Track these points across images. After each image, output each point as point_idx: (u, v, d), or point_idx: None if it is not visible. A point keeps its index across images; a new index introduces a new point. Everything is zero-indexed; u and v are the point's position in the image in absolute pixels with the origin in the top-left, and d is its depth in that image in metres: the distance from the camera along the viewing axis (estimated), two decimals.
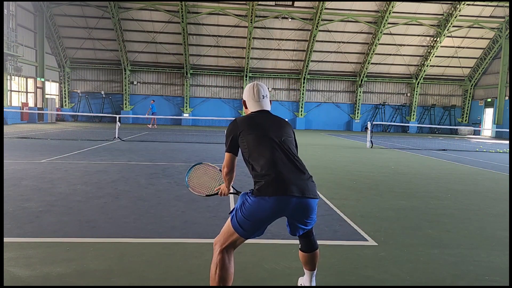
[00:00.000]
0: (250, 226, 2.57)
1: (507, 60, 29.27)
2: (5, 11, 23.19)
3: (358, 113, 34.23)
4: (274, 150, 2.63)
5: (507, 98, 30.18)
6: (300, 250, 2.93)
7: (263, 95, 2.90)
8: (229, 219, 2.67)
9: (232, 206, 5.55)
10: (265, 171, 2.55)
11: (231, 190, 2.98)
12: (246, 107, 2.97)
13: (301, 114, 33.66)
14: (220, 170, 3.04)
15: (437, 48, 31.14)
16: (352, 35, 31.11)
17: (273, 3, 28.95)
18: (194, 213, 5.10)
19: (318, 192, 6.47)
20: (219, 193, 2.99)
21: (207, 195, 3.19)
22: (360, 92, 33.83)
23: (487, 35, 31.37)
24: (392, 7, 28.05)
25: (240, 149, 2.73)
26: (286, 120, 3.02)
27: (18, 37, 24.90)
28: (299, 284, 3.12)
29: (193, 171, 3.34)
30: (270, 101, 3.01)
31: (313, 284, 2.98)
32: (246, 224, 2.57)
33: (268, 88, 31.31)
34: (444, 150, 16.48)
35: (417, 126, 33.81)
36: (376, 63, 32.91)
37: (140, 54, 31.96)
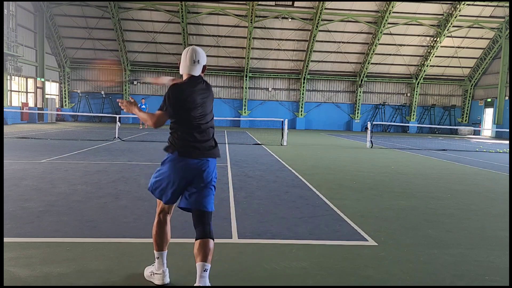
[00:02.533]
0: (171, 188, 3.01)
1: (507, 60, 29.27)
2: (5, 11, 23.18)
3: (358, 113, 34.23)
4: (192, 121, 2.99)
5: (507, 98, 30.18)
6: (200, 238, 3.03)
7: (194, 60, 3.03)
8: None
9: (232, 204, 5.56)
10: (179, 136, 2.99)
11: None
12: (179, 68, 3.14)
13: (301, 114, 33.66)
14: None
15: (437, 48, 31.15)
16: (352, 35, 31.11)
17: (273, 3, 28.95)
18: None
19: (317, 192, 6.40)
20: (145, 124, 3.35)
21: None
22: (360, 92, 33.83)
23: (487, 35, 31.37)
24: (392, 7, 28.06)
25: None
26: (207, 84, 3.20)
27: (18, 37, 24.90)
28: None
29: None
30: (204, 67, 3.15)
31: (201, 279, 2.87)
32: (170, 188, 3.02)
33: (268, 88, 30.96)
34: (444, 150, 16.48)
35: (417, 126, 33.81)
36: (376, 63, 32.91)
37: (140, 54, 31.96)
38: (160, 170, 3.05)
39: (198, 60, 3.06)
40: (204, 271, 2.83)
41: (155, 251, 3.10)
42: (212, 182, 3.10)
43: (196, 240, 2.97)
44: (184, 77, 3.08)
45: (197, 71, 3.05)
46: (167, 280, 3.06)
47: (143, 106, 25.84)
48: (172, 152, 2.99)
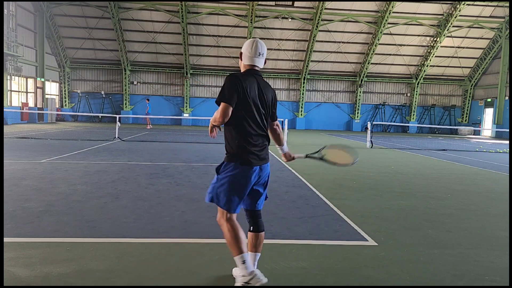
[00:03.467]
0: (238, 196, 2.93)
1: (507, 60, 29.27)
2: (5, 11, 23.19)
3: (358, 113, 34.23)
4: (252, 122, 2.92)
5: (507, 98, 30.18)
6: (254, 231, 3.11)
7: (259, 52, 3.03)
8: None
9: None
10: (238, 142, 2.89)
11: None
12: (241, 59, 3.11)
13: (301, 114, 33.66)
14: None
15: (437, 48, 31.15)
16: (352, 35, 31.11)
17: (273, 3, 28.95)
18: (194, 213, 5.10)
19: (317, 192, 6.41)
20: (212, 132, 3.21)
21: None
22: (360, 92, 33.82)
23: (487, 35, 31.37)
24: (392, 7, 28.05)
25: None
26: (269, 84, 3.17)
27: (18, 37, 24.90)
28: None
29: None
30: (265, 60, 3.14)
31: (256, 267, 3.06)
32: (235, 196, 2.93)
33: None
34: (444, 150, 16.48)
35: (417, 126, 33.81)
36: (376, 63, 32.91)
37: (140, 54, 31.95)
38: (223, 179, 2.97)
39: (263, 53, 3.06)
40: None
41: (237, 257, 2.92)
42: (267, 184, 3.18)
43: (249, 232, 3.11)
44: (244, 69, 3.10)
45: (261, 63, 3.08)
46: (264, 279, 2.93)
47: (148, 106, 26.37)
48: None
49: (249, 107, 2.91)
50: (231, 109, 2.86)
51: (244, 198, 3.00)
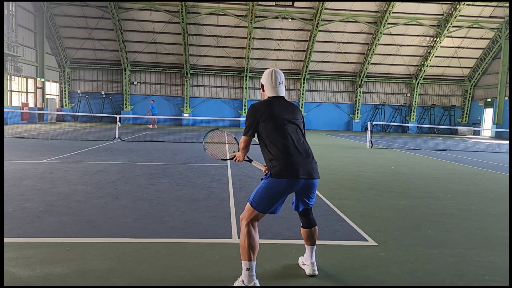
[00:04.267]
0: (265, 203, 3.03)
1: (507, 60, 29.27)
2: (5, 11, 23.19)
3: (358, 113, 34.23)
4: (287, 136, 3.06)
5: (507, 98, 30.18)
6: (302, 227, 3.38)
7: (279, 82, 3.24)
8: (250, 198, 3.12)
9: (232, 203, 5.56)
10: (279, 156, 3.00)
11: (246, 159, 3.38)
12: (263, 91, 3.32)
13: None
14: (235, 138, 3.64)
15: (437, 48, 31.15)
16: (352, 35, 31.11)
17: (273, 3, 28.96)
18: (194, 213, 5.10)
19: (317, 192, 6.42)
20: (234, 159, 3.37)
21: (222, 159, 3.69)
22: (360, 92, 33.83)
23: (487, 35, 31.37)
24: (392, 7, 28.06)
25: (256, 133, 3.15)
26: (295, 105, 3.45)
27: (18, 37, 24.90)
28: (300, 263, 3.47)
29: (210, 136, 3.78)
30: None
31: (314, 258, 3.35)
32: (262, 202, 3.03)
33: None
34: (443, 150, 16.48)
35: (417, 126, 33.81)
36: (376, 63, 32.92)
37: (140, 54, 31.96)
38: None
39: (282, 81, 3.27)
40: (313, 251, 3.36)
41: (245, 262, 2.97)
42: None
43: (304, 228, 3.36)
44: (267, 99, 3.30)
45: (283, 91, 3.27)
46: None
47: (151, 108, 26.35)
48: None
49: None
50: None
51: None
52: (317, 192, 6.66)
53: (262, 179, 3.12)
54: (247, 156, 3.37)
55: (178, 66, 32.50)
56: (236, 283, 3.03)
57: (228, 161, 10.28)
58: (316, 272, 3.32)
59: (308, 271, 3.32)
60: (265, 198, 3.01)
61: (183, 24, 28.85)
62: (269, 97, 3.23)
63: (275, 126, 3.05)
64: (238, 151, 3.36)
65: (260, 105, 3.14)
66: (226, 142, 3.95)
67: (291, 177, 2.97)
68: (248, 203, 3.11)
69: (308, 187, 3.13)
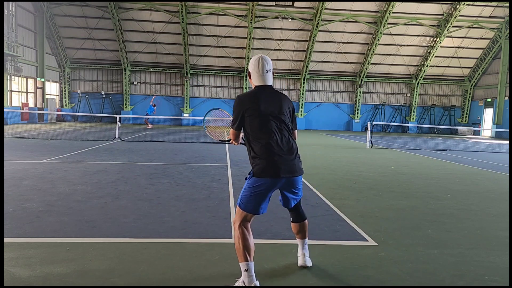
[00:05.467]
0: (252, 204, 3.03)
1: (507, 60, 29.27)
2: (5, 11, 23.19)
3: (358, 113, 34.24)
4: (271, 134, 3.02)
5: (507, 98, 30.18)
6: (292, 222, 3.45)
7: (266, 70, 3.11)
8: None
9: (232, 204, 5.56)
10: (261, 155, 2.99)
11: (241, 141, 3.36)
12: (250, 79, 3.21)
13: (301, 114, 33.66)
14: None
15: (437, 48, 31.15)
16: (352, 35, 31.11)
17: (273, 3, 28.96)
18: (194, 213, 5.10)
19: (317, 192, 6.42)
20: (230, 141, 3.35)
21: (220, 141, 3.81)
22: (360, 92, 33.83)
23: (487, 35, 31.37)
24: (392, 7, 28.06)
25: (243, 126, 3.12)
26: (285, 94, 3.29)
27: (18, 37, 24.90)
28: (298, 254, 3.52)
29: (210, 115, 3.89)
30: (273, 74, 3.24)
31: (306, 251, 3.47)
32: (249, 202, 3.03)
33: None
34: (443, 150, 16.48)
35: (417, 126, 33.81)
36: (376, 63, 32.92)
37: (140, 54, 31.96)
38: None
39: (270, 69, 3.14)
40: (305, 244, 3.47)
41: (243, 263, 2.98)
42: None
43: (294, 222, 3.43)
44: (254, 88, 3.19)
45: (270, 80, 3.16)
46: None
47: (153, 108, 25.61)
48: None
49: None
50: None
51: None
52: (317, 192, 6.67)
53: (245, 178, 3.12)
54: (243, 139, 3.34)
55: (178, 66, 32.50)
56: (237, 284, 3.03)
57: (228, 161, 10.28)
58: (308, 263, 3.41)
59: (299, 262, 3.42)
60: (251, 197, 3.01)
61: (183, 24, 28.86)
62: (256, 86, 3.13)
63: (260, 123, 3.00)
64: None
65: (246, 97, 3.08)
66: (227, 119, 3.95)
67: (272, 176, 2.97)
68: (237, 206, 3.11)
69: (291, 183, 3.12)
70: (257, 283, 2.99)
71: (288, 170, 3.01)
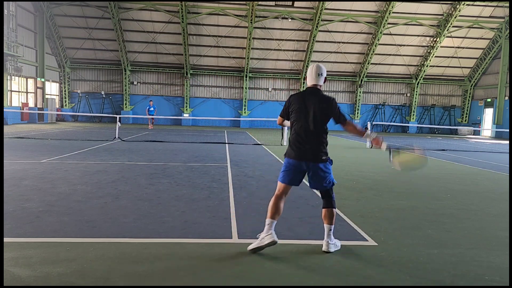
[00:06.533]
0: (282, 176, 3.89)
1: (507, 60, 29.27)
2: (5, 11, 23.19)
3: (358, 113, 34.23)
4: (300, 123, 3.80)
5: (507, 98, 30.18)
6: (323, 207, 3.98)
7: (318, 74, 3.87)
8: None
9: (232, 203, 5.56)
10: (290, 139, 3.87)
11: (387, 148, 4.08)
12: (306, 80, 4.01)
13: None
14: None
15: (437, 48, 31.15)
16: (352, 35, 31.11)
17: (273, 3, 28.96)
18: (194, 213, 5.10)
19: (317, 192, 6.41)
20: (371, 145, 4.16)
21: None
22: (360, 92, 33.83)
23: (487, 35, 31.37)
24: (392, 7, 28.06)
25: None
26: (327, 96, 3.88)
27: (18, 37, 24.90)
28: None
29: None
30: (318, 85, 3.89)
31: (329, 237, 3.86)
32: (281, 174, 3.90)
33: (268, 88, 31.09)
34: (443, 150, 16.48)
35: (417, 126, 33.81)
36: (376, 63, 32.91)
37: (140, 54, 31.96)
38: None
39: (321, 73, 3.89)
40: (330, 230, 3.88)
41: (267, 219, 3.76)
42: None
43: (323, 208, 3.97)
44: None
45: (321, 81, 3.89)
46: (276, 238, 3.70)
47: (151, 109, 25.25)
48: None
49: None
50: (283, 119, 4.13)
51: None
52: (317, 192, 6.67)
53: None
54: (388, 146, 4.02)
55: (178, 66, 32.50)
56: (258, 236, 3.77)
57: (228, 161, 10.29)
58: (331, 249, 3.81)
59: (323, 247, 3.84)
60: (282, 171, 3.87)
61: (183, 24, 28.86)
62: (307, 87, 3.90)
63: (296, 112, 3.81)
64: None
65: (295, 94, 3.92)
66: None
67: (292, 158, 3.80)
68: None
69: (313, 170, 3.79)
70: (274, 234, 3.69)
71: (302, 155, 3.76)
